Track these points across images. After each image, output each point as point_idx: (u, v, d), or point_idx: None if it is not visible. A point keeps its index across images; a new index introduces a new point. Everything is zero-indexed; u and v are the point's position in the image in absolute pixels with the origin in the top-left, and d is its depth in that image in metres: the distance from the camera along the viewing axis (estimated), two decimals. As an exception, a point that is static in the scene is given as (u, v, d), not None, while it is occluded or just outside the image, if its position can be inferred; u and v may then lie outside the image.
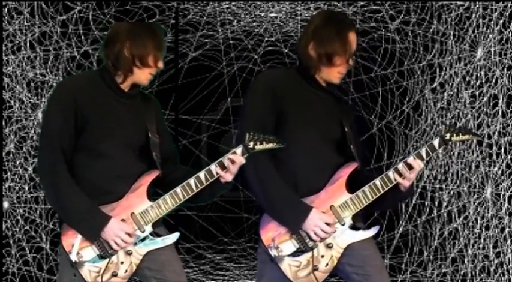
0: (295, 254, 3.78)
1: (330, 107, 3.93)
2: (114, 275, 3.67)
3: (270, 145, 3.73)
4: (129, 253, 3.69)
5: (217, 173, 3.73)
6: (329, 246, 3.79)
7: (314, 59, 3.85)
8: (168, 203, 3.73)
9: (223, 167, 3.72)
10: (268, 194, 3.78)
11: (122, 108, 3.75)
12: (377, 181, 3.82)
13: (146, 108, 3.84)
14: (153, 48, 3.73)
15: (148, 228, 3.72)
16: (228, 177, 3.74)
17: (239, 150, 3.72)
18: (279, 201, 3.77)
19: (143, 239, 3.71)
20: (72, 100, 3.68)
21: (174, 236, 3.77)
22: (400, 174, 3.80)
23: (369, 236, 3.81)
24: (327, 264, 3.79)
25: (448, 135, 3.85)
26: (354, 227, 3.81)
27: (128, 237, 3.65)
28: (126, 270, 3.69)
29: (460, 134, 3.86)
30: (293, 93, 3.87)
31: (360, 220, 3.88)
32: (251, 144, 3.72)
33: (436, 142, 3.85)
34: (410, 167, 3.80)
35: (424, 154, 3.84)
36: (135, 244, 3.70)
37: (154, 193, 3.81)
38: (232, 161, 3.72)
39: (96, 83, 3.75)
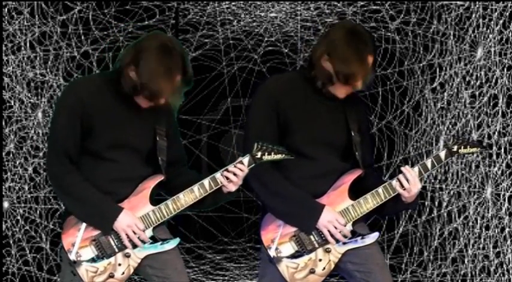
0: (293, 256, 3.79)
1: (335, 113, 3.90)
2: (111, 276, 3.68)
3: (279, 156, 3.72)
4: (127, 256, 3.70)
5: (221, 182, 3.72)
6: (327, 251, 3.79)
7: (328, 73, 3.81)
8: (170, 208, 3.73)
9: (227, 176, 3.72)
10: (276, 199, 3.78)
11: (130, 113, 3.74)
12: (380, 189, 3.82)
13: (157, 110, 3.81)
14: (168, 91, 3.66)
15: (149, 232, 3.73)
16: (232, 187, 3.74)
17: (246, 160, 3.71)
18: (291, 203, 3.78)
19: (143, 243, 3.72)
20: (81, 105, 3.67)
21: (174, 242, 3.77)
22: (402, 185, 3.80)
23: (367, 243, 3.82)
24: (324, 268, 3.80)
25: (455, 148, 3.84)
26: (353, 233, 3.81)
27: (140, 231, 3.66)
28: (123, 273, 3.70)
29: (468, 146, 3.86)
30: (297, 103, 3.85)
31: (363, 225, 3.88)
32: (259, 155, 3.70)
33: (442, 154, 3.84)
34: (406, 178, 3.80)
35: (429, 165, 3.84)
36: (134, 247, 3.71)
37: (157, 195, 3.81)
38: (235, 174, 3.70)
39: (105, 87, 3.73)
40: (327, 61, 3.80)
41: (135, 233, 3.68)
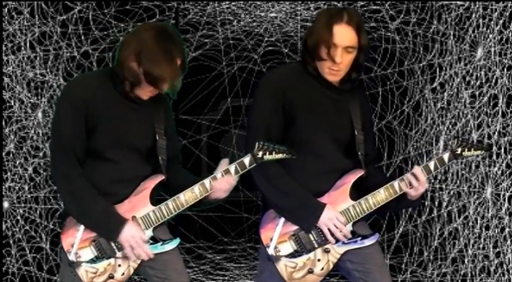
0: (292, 256, 3.78)
1: (341, 107, 3.87)
2: (111, 277, 3.68)
3: (280, 156, 3.70)
4: (127, 256, 3.70)
5: (210, 189, 3.72)
6: (326, 251, 3.78)
7: (306, 52, 3.81)
8: (170, 208, 3.73)
9: (229, 174, 3.71)
10: (279, 194, 3.77)
11: (129, 112, 3.73)
12: (381, 190, 3.79)
13: (156, 109, 3.80)
14: (169, 76, 3.63)
15: (149, 233, 3.72)
16: (221, 195, 3.74)
17: (247, 159, 3.70)
18: (292, 200, 3.76)
19: (143, 243, 3.72)
20: (84, 105, 3.65)
21: (174, 242, 3.76)
22: (406, 186, 3.78)
23: (366, 245, 3.81)
24: (323, 268, 3.79)
25: (459, 150, 3.78)
26: (353, 234, 3.80)
27: (143, 244, 3.65)
28: (123, 273, 3.70)
29: (472, 148, 3.78)
30: (303, 95, 3.82)
31: (364, 225, 3.87)
32: (260, 154, 3.69)
33: (445, 156, 3.78)
34: (416, 178, 3.78)
35: (432, 167, 3.81)
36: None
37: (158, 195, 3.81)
38: (223, 184, 3.70)
39: (105, 85, 3.71)
40: (306, 41, 3.82)
41: (139, 244, 3.67)
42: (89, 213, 3.64)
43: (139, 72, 3.62)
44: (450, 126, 5.91)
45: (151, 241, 3.72)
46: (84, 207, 3.64)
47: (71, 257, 3.67)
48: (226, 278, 6.40)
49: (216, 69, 6.39)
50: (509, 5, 5.49)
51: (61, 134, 3.68)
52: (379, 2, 6.07)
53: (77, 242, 3.67)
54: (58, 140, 3.69)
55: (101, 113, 3.67)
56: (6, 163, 5.80)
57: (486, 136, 5.61)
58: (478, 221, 5.70)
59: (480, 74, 5.67)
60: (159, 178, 3.76)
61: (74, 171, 3.65)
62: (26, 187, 5.86)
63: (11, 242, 5.83)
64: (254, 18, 6.36)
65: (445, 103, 5.95)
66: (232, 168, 3.70)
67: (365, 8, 6.10)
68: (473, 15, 5.70)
